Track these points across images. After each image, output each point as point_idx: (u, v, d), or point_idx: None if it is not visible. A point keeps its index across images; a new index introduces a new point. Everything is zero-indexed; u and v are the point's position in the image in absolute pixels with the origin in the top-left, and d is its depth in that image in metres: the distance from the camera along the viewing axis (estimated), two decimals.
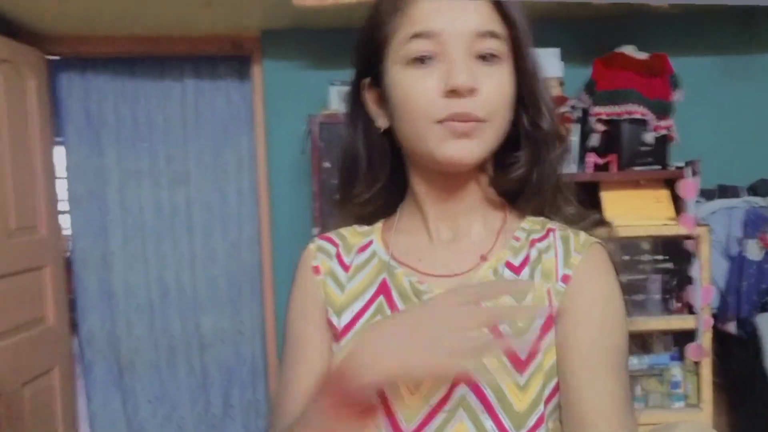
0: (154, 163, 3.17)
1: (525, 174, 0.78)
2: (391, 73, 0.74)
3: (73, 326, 3.14)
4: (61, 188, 2.97)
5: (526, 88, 0.76)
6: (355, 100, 0.83)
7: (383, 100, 0.78)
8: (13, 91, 2.53)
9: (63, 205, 3.00)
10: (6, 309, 2.45)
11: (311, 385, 0.77)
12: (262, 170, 2.90)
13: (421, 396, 0.73)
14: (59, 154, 2.98)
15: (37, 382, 2.65)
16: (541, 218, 0.81)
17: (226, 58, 3.03)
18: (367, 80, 0.80)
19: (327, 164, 2.37)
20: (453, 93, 0.70)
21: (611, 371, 0.70)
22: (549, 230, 0.78)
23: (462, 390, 0.72)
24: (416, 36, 0.71)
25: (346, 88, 2.62)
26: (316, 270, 0.83)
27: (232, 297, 3.22)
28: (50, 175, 2.79)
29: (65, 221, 3.11)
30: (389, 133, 0.80)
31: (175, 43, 2.86)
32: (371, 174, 0.83)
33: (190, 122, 3.15)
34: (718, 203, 2.41)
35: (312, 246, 0.86)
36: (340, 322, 0.80)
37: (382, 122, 0.79)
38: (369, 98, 0.80)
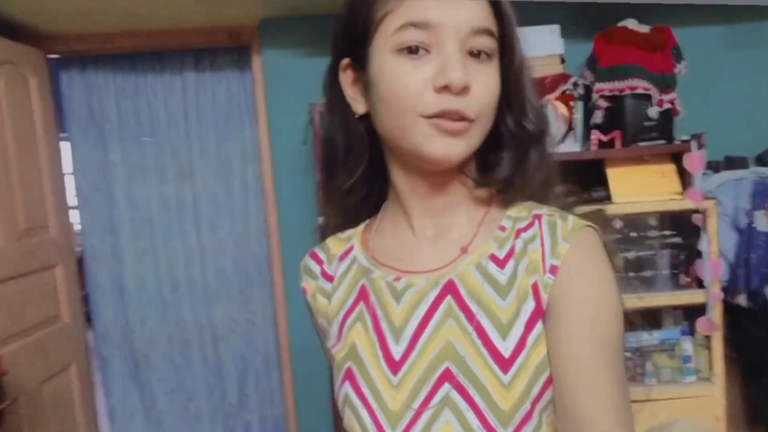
0: (159, 157, 3.18)
1: (509, 175, 0.76)
2: (379, 59, 0.71)
3: (88, 322, 3.18)
4: (69, 186, 2.99)
5: (512, 88, 0.74)
6: (332, 82, 0.78)
7: (363, 85, 0.75)
8: (16, 92, 2.55)
9: (71, 203, 3.02)
10: (21, 309, 2.48)
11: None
12: (267, 160, 2.90)
13: (401, 399, 0.72)
14: (65, 152, 2.99)
15: (56, 380, 2.69)
16: (529, 203, 0.77)
17: (225, 49, 3.02)
18: (346, 61, 0.76)
19: None
20: (445, 89, 0.67)
21: (606, 366, 0.67)
22: (535, 217, 0.74)
23: (445, 389, 0.70)
24: (412, 24, 0.68)
25: None
26: (304, 290, 0.86)
27: (242, 288, 3.25)
28: (57, 174, 2.81)
29: (74, 218, 3.13)
30: (367, 119, 0.77)
31: (173, 36, 2.84)
32: (350, 162, 0.79)
33: (192, 115, 3.15)
34: (726, 175, 2.39)
35: (301, 265, 0.87)
36: (330, 334, 0.82)
37: (359, 107, 0.76)
38: (346, 80, 0.77)
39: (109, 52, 2.96)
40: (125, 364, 3.29)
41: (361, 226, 0.86)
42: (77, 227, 3.23)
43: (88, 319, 3.21)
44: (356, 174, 0.80)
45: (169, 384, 3.30)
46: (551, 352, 0.69)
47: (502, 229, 0.76)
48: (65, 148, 3.05)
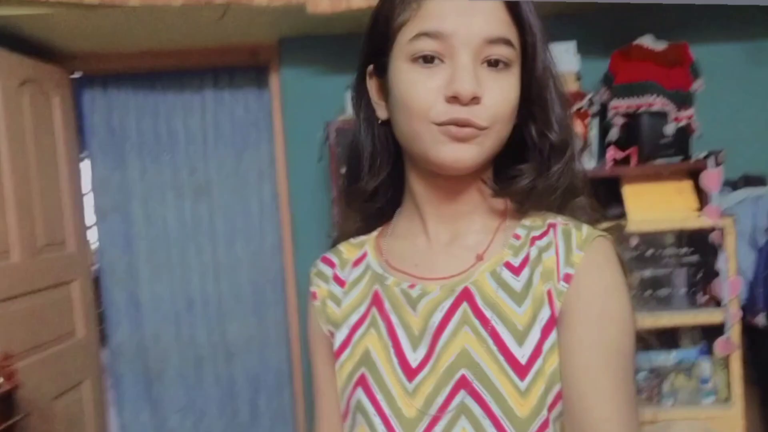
0: (177, 174, 3.21)
1: (528, 186, 0.75)
2: (396, 66, 0.73)
3: (103, 339, 3.19)
4: (88, 202, 3.02)
5: (535, 97, 0.74)
6: (360, 87, 0.81)
7: (385, 91, 0.77)
8: (39, 110, 2.59)
9: (90, 219, 3.06)
10: (37, 324, 2.50)
11: (332, 417, 0.82)
12: (283, 178, 2.92)
13: (417, 406, 0.72)
14: (85, 169, 3.03)
15: (69, 395, 2.69)
16: (543, 212, 0.78)
17: (244, 67, 3.06)
18: (370, 68, 0.79)
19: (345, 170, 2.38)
20: (454, 99, 0.68)
21: (614, 373, 0.67)
22: (550, 225, 0.75)
23: (461, 396, 0.70)
24: (425, 34, 0.69)
25: None
26: (314, 296, 0.85)
27: (256, 305, 3.24)
28: (77, 191, 2.84)
29: (92, 235, 3.16)
30: (391, 125, 0.78)
31: (193, 55, 2.89)
32: (374, 165, 0.81)
33: (210, 133, 3.18)
34: (744, 193, 2.36)
35: (312, 271, 0.87)
36: (337, 339, 0.81)
37: (381, 113, 0.78)
38: (371, 87, 0.79)
39: (130, 71, 3.01)
40: (138, 382, 3.29)
41: (374, 233, 0.86)
42: (95, 244, 3.26)
43: (103, 336, 3.22)
44: (381, 177, 0.81)
45: (180, 402, 3.28)
46: (561, 358, 0.69)
47: (517, 237, 0.76)
48: (85, 166, 3.09)
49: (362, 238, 0.86)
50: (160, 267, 3.22)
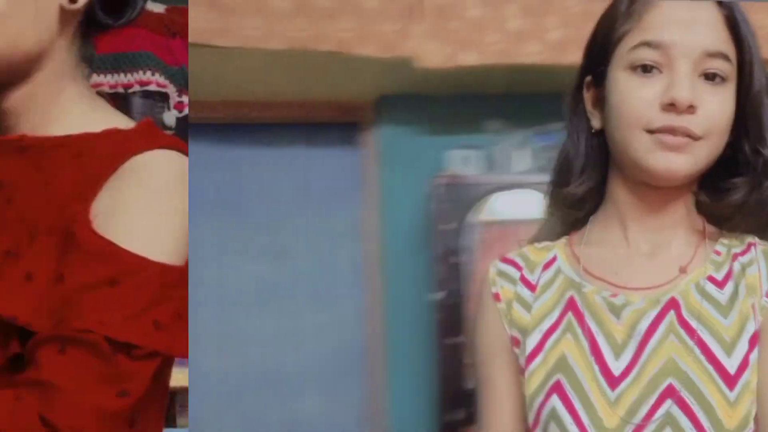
0: (254, 235, 3.06)
1: (742, 199, 0.75)
2: (613, 76, 0.76)
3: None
4: None
5: (750, 113, 0.75)
6: (576, 97, 0.83)
7: (600, 101, 0.79)
8: None
9: None
10: None
11: (503, 428, 0.82)
12: (372, 240, 2.83)
13: (618, 415, 0.71)
14: None
15: None
16: (739, 233, 0.79)
17: (336, 124, 3.01)
18: (588, 78, 0.81)
19: (452, 225, 2.35)
20: (671, 106, 0.70)
21: None
22: (750, 244, 0.77)
23: (667, 405, 0.69)
24: (646, 44, 0.73)
25: (467, 152, 2.54)
26: (497, 297, 0.83)
27: (332, 380, 3.05)
28: None
29: None
30: (603, 134, 0.80)
31: (287, 108, 2.85)
32: (584, 172, 0.82)
33: (294, 191, 3.07)
34: None
35: (492, 271, 0.85)
36: (528, 345, 0.79)
37: (595, 123, 0.81)
38: (587, 97, 0.81)
39: (209, 121, 2.88)
40: None
41: (562, 239, 0.86)
42: None
43: None
44: (590, 184, 0.82)
45: None
46: (760, 375, 0.70)
47: (717, 253, 0.77)
48: None
49: (547, 243, 0.87)
50: (225, 337, 3.02)
